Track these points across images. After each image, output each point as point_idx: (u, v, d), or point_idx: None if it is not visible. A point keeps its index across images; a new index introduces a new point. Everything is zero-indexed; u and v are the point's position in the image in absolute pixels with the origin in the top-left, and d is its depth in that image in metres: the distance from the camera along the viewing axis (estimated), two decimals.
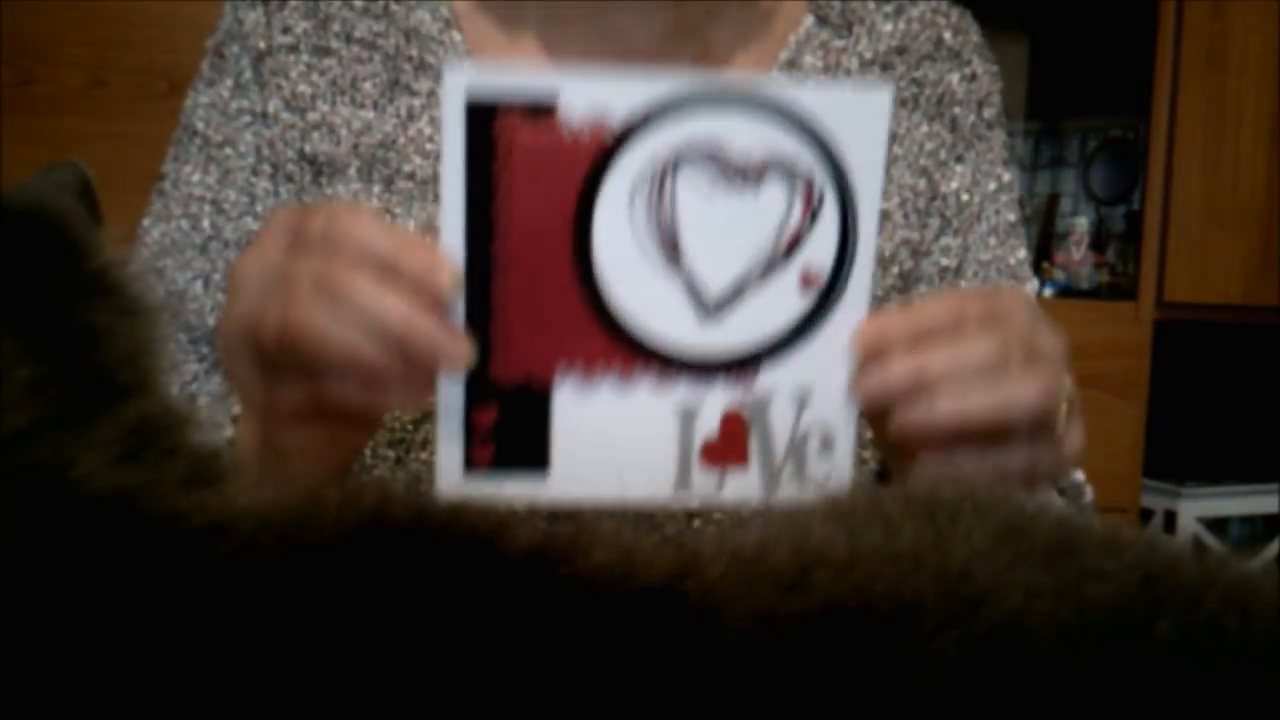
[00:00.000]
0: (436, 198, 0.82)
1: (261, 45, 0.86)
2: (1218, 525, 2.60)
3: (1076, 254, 2.54)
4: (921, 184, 0.86)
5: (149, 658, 0.37)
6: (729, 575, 0.39)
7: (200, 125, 0.88)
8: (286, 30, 0.85)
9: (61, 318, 0.44)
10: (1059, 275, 2.53)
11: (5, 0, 1.85)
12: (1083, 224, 2.54)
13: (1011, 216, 0.90)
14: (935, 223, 0.86)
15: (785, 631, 0.38)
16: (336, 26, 0.86)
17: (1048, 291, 2.47)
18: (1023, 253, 0.90)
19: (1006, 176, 0.90)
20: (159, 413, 0.44)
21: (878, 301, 0.84)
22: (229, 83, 0.87)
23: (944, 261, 0.86)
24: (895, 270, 0.85)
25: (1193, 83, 2.45)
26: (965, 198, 0.87)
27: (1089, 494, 0.88)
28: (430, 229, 0.81)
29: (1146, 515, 2.53)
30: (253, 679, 0.36)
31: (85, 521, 0.39)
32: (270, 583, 0.38)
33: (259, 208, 0.86)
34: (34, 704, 0.36)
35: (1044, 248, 2.56)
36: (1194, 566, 0.42)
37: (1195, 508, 2.53)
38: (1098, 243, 2.55)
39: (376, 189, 0.83)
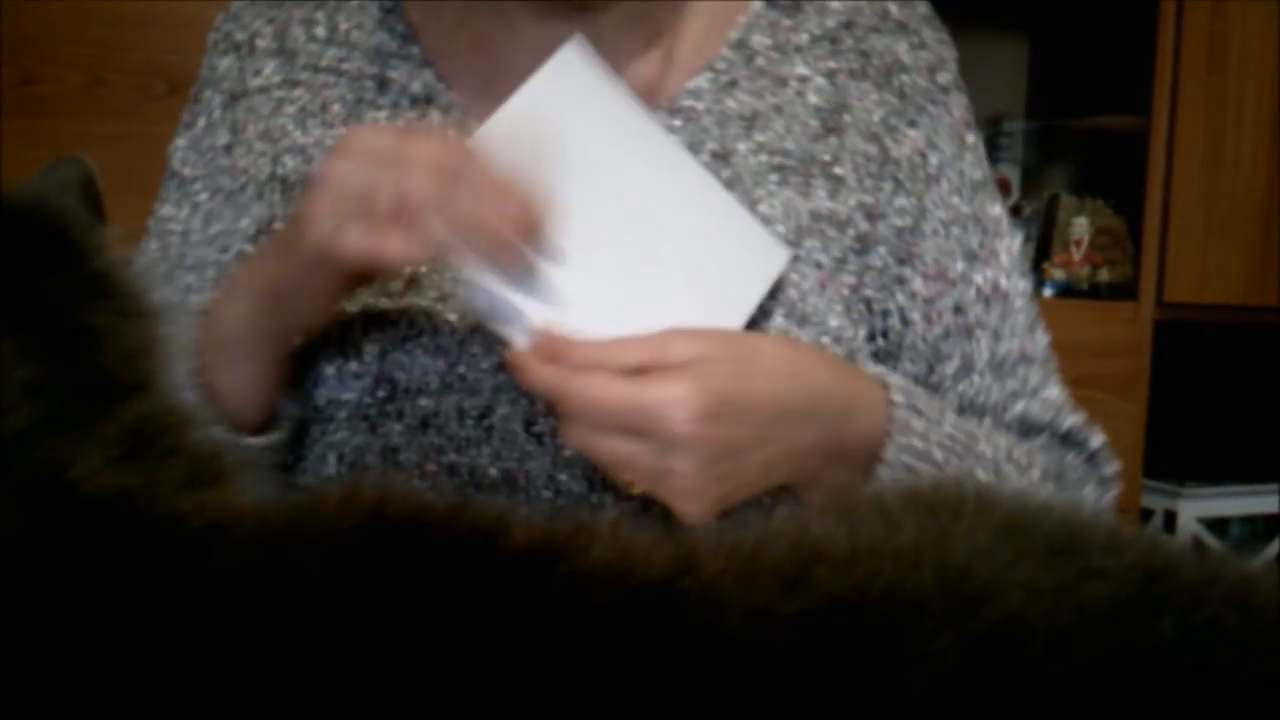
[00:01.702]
0: None
1: (236, 89, 0.90)
2: (1218, 525, 2.60)
3: (1076, 254, 2.54)
4: (873, 149, 0.87)
5: (149, 657, 0.36)
6: (728, 572, 0.39)
7: (178, 166, 0.92)
8: (258, 73, 0.90)
9: (61, 319, 0.44)
10: (1059, 275, 2.53)
11: (5, 0, 1.85)
12: (1083, 224, 2.54)
13: (978, 174, 0.90)
14: (889, 186, 0.87)
15: (784, 629, 0.38)
16: (303, 60, 0.90)
17: (1048, 292, 2.47)
18: (998, 208, 0.91)
19: (970, 138, 0.91)
20: (159, 413, 0.44)
21: (836, 263, 0.85)
22: (202, 123, 0.92)
23: (898, 222, 0.87)
24: (851, 233, 0.85)
25: (1193, 83, 2.45)
26: (919, 160, 0.88)
27: (1095, 440, 0.89)
28: None
29: (1146, 515, 2.53)
30: (253, 678, 0.36)
31: (85, 522, 0.39)
32: (271, 582, 0.38)
33: (214, 229, 0.90)
34: (34, 704, 0.36)
35: (1044, 248, 2.56)
36: (1195, 566, 0.42)
37: (1195, 508, 2.53)
38: (1097, 243, 2.55)
39: None
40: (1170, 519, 2.52)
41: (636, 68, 0.87)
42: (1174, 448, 2.53)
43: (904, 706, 0.36)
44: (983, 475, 0.81)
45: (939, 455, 0.79)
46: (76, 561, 0.38)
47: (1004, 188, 2.57)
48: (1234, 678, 0.38)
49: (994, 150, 2.72)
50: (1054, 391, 0.90)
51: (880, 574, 0.39)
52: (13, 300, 0.43)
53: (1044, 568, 0.40)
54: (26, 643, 0.36)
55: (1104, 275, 2.53)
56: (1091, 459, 0.89)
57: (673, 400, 0.68)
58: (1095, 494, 0.89)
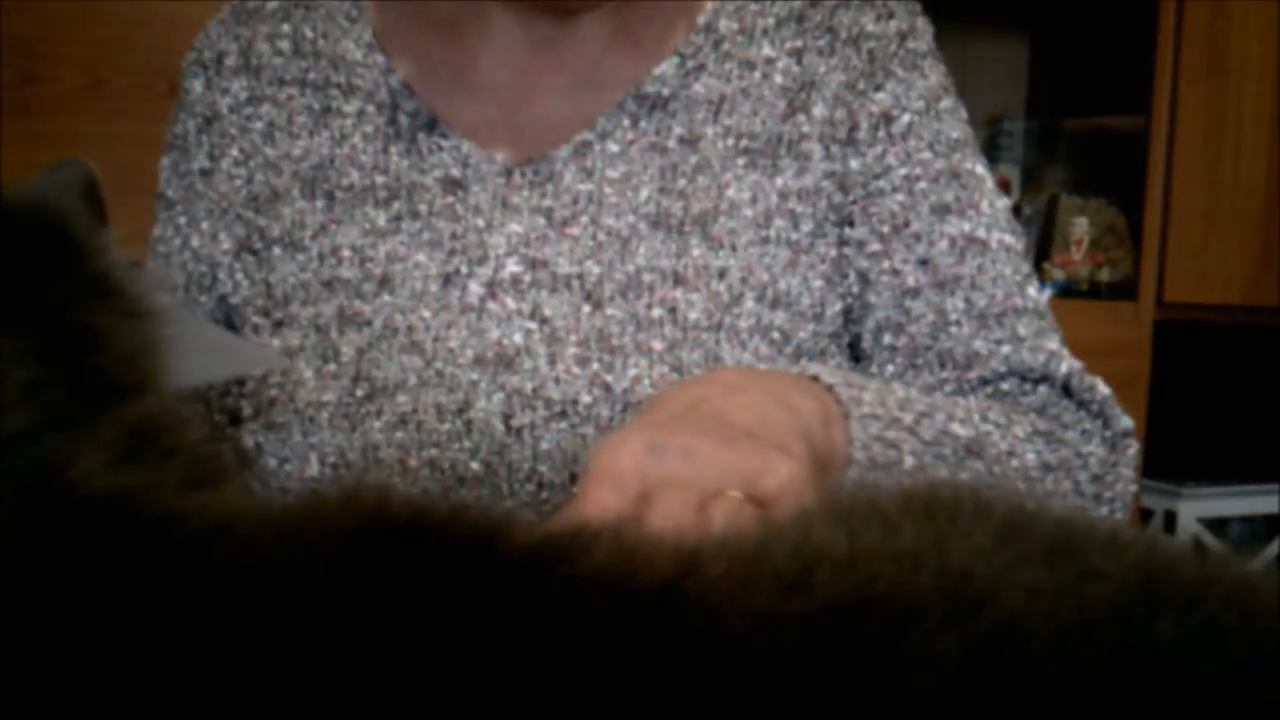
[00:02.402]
0: (377, 203, 0.86)
1: (207, 112, 0.92)
2: (1218, 525, 2.61)
3: (1076, 254, 2.54)
4: (840, 114, 0.86)
5: (148, 658, 0.36)
6: (729, 574, 0.39)
7: (163, 186, 0.94)
8: (226, 93, 0.92)
9: (62, 319, 0.44)
10: (1059, 275, 2.53)
11: (5, 0, 1.85)
12: (1083, 224, 2.54)
13: (957, 134, 0.89)
14: (851, 150, 0.87)
15: (785, 631, 0.38)
16: (269, 75, 0.91)
17: (1048, 292, 2.47)
18: (980, 168, 0.89)
19: (948, 103, 0.90)
20: (159, 413, 0.44)
21: (810, 236, 0.84)
22: (180, 145, 0.93)
23: (850, 183, 0.86)
24: (824, 203, 0.85)
25: (1193, 83, 2.46)
26: (881, 121, 0.87)
27: (1101, 389, 0.85)
28: (370, 234, 0.85)
29: (1146, 515, 2.53)
30: (252, 680, 0.36)
31: (84, 522, 0.39)
32: (271, 582, 0.38)
33: (185, 256, 0.92)
34: (33, 705, 0.36)
35: (1044, 248, 2.56)
36: (1194, 567, 0.42)
37: (1195, 508, 2.53)
38: (1097, 243, 2.55)
39: (319, 204, 0.88)
40: (1170, 519, 2.53)
41: (606, 59, 0.87)
42: (1174, 448, 2.53)
43: (905, 707, 0.37)
44: (960, 429, 0.75)
45: (907, 419, 0.73)
46: (75, 561, 0.38)
47: (1004, 188, 2.58)
48: (1234, 678, 0.38)
49: (994, 150, 2.72)
50: (1052, 344, 0.86)
51: (881, 576, 0.39)
52: (13, 301, 0.43)
53: (1043, 569, 0.40)
54: (24, 643, 0.36)
55: (1104, 275, 2.53)
56: (1100, 414, 0.85)
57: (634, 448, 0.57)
58: (1101, 452, 0.83)
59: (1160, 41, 2.43)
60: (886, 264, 0.85)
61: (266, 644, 0.37)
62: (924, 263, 0.85)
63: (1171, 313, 2.49)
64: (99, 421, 0.42)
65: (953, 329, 0.84)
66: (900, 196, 0.86)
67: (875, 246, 0.85)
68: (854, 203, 0.86)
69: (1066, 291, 2.49)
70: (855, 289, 0.86)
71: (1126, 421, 0.86)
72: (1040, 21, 2.69)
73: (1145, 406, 2.41)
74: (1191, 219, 2.48)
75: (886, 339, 0.85)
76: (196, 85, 0.93)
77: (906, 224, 0.85)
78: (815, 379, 0.71)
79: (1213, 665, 0.38)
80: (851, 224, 0.86)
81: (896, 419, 0.72)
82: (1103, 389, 0.86)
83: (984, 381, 0.84)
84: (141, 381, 0.45)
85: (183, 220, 0.92)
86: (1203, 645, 0.39)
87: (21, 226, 0.46)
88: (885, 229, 0.85)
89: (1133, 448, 0.85)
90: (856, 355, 0.87)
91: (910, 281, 0.85)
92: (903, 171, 0.86)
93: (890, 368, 0.85)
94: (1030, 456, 0.78)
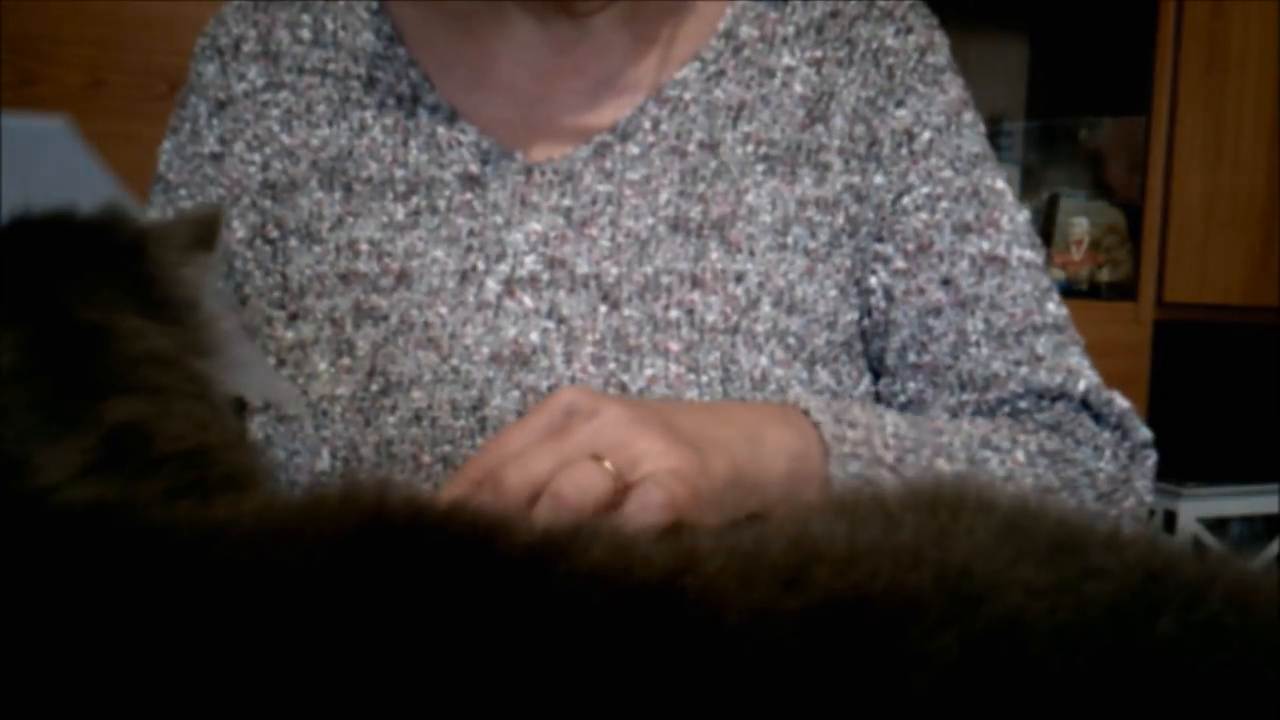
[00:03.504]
0: (396, 197, 0.86)
1: (221, 96, 0.92)
2: (1218, 525, 2.60)
3: (1076, 254, 2.54)
4: (859, 129, 0.87)
5: (144, 658, 0.36)
6: (727, 571, 0.39)
7: (163, 169, 0.93)
8: (242, 78, 0.91)
9: (67, 315, 0.44)
10: (1059, 275, 2.53)
11: (5, 0, 1.85)
12: (1083, 224, 2.54)
13: (977, 149, 0.90)
14: (872, 165, 0.87)
15: (783, 628, 0.37)
16: (288, 62, 0.91)
17: None
18: (1001, 183, 0.90)
19: (968, 117, 0.90)
20: (153, 416, 0.44)
21: (827, 247, 0.85)
22: (187, 128, 0.93)
23: (876, 200, 0.86)
24: (841, 215, 0.86)
25: (1193, 82, 2.45)
26: (904, 138, 0.88)
27: (1120, 403, 0.86)
28: (389, 228, 0.85)
29: (1147, 515, 2.53)
30: (252, 679, 0.36)
31: (53, 533, 0.39)
32: (270, 584, 0.38)
33: None
34: (29, 705, 0.36)
35: (1044, 248, 2.56)
36: (1195, 565, 0.42)
37: (1195, 508, 2.53)
38: (1097, 243, 2.55)
39: (337, 195, 0.88)
40: (1170, 519, 2.52)
41: (627, 65, 0.88)
42: (1174, 448, 2.53)
43: (904, 704, 0.36)
44: (946, 465, 0.77)
45: (890, 458, 0.75)
46: (42, 573, 0.38)
47: None
48: (1234, 677, 0.38)
49: (994, 150, 2.72)
50: (1071, 360, 0.87)
51: (880, 572, 0.39)
52: (20, 294, 0.43)
53: (1044, 566, 0.40)
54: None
55: (1104, 275, 2.53)
56: (1119, 426, 0.86)
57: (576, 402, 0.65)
58: (1112, 468, 0.84)
59: (1160, 41, 2.42)
60: (912, 282, 0.86)
61: (266, 643, 0.37)
62: (946, 282, 0.86)
63: (1171, 313, 2.49)
64: (79, 420, 0.41)
65: (972, 350, 0.85)
66: (923, 215, 0.86)
67: (900, 264, 0.86)
68: (882, 219, 0.86)
69: (1066, 291, 2.49)
70: (881, 304, 0.86)
71: (1145, 433, 0.87)
72: (1040, 21, 2.69)
73: (1145, 406, 2.41)
74: (1191, 219, 2.48)
75: (910, 357, 0.86)
76: (210, 69, 0.92)
77: (931, 243, 0.86)
78: (806, 413, 0.74)
79: (1213, 663, 0.38)
80: (881, 239, 0.87)
81: (878, 458, 0.74)
82: (1121, 402, 0.87)
83: (1002, 402, 0.85)
84: (140, 385, 0.45)
85: (188, 205, 0.91)
86: (1203, 643, 0.39)
87: (59, 230, 0.46)
88: (910, 247, 0.86)
89: (1151, 458, 0.87)
90: (879, 371, 0.88)
91: (933, 300, 0.86)
92: (925, 190, 0.87)
93: (912, 385, 0.86)
94: (1029, 481, 0.80)
